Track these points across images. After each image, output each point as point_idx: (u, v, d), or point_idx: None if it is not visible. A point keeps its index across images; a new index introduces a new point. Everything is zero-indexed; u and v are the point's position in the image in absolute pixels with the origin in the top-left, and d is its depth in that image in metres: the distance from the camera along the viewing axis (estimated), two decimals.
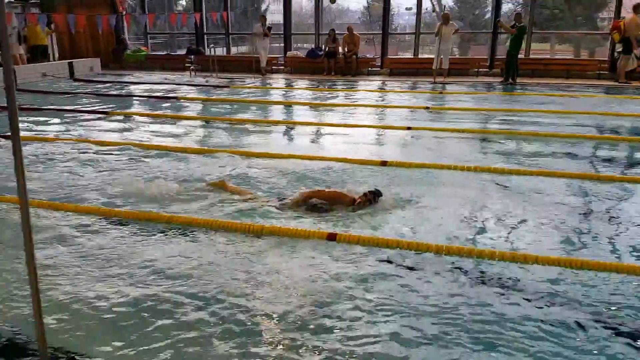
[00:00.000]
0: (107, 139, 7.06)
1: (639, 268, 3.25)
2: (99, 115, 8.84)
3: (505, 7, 16.99)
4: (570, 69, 13.54)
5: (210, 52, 14.82)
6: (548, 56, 16.98)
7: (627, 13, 12.54)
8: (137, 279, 3.13)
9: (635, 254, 3.56)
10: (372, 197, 4.21)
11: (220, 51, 17.00)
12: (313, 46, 15.68)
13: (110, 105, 9.81)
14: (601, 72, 13.15)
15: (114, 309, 2.81)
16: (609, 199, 4.65)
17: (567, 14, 18.25)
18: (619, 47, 12.58)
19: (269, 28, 14.66)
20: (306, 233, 3.70)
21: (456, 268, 3.27)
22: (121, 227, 3.96)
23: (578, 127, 7.75)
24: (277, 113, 9.80)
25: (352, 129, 7.87)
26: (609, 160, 6.13)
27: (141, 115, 9.16)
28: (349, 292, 2.97)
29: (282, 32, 15.76)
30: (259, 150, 6.18)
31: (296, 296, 2.93)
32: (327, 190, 4.46)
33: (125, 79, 14.30)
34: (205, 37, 16.66)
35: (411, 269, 3.29)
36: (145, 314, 2.77)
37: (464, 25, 17.10)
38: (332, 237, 3.63)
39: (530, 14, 14.09)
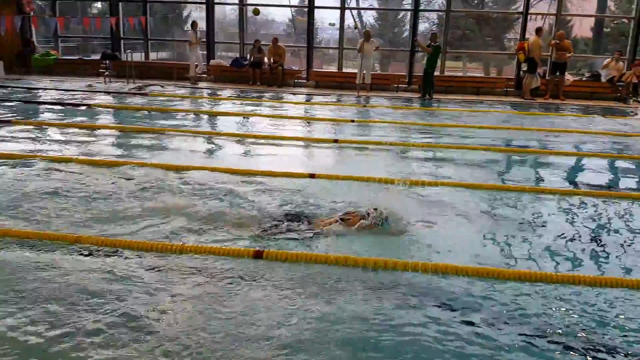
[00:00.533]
0: (8, 150, 6.52)
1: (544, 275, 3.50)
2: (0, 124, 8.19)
3: (422, 26, 17.88)
4: (481, 86, 14.46)
5: (126, 57, 14.19)
6: (461, 74, 18.03)
7: (530, 35, 13.61)
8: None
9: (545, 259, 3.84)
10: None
11: (138, 57, 16.37)
12: (237, 55, 15.54)
13: (13, 113, 9.11)
14: (508, 89, 14.15)
15: None
16: (518, 208, 4.98)
17: (478, 34, 19.49)
18: (524, 67, 13.60)
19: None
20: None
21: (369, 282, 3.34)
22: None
23: (487, 140, 8.27)
24: (199, 123, 9.58)
25: (279, 140, 7.86)
26: (516, 170, 6.60)
27: (47, 124, 8.57)
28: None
29: (205, 39, 15.47)
30: (176, 163, 5.96)
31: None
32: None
33: (32, 84, 13.35)
34: (122, 42, 15.97)
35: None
36: None
37: (384, 43, 17.72)
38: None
39: (445, 34, 14.89)
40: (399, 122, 9.84)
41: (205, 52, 15.52)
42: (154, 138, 7.72)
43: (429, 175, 6.02)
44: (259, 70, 14.52)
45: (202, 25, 15.76)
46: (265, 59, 14.55)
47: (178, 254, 3.58)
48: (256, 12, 15.42)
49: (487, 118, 10.60)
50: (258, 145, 7.65)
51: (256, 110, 10.71)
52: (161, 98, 11.84)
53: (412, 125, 9.63)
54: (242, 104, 11.61)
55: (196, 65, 14.48)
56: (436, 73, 13.64)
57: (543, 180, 6.38)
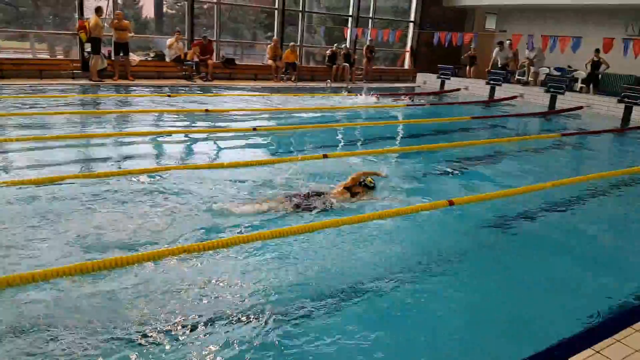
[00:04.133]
0: None
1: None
2: None
3: None
4: (44, 69, 13.36)
5: None
6: (31, 55, 16.24)
7: (92, 14, 13.29)
8: None
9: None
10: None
11: None
12: None
13: None
14: (75, 71, 13.57)
15: None
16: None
17: (36, 12, 17.86)
18: (87, 47, 13.24)
19: None
20: None
21: None
22: None
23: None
24: None
25: None
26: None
27: None
28: None
29: None
30: None
31: None
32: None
33: None
34: None
35: None
36: None
37: None
38: None
39: None
40: None
41: None
42: None
43: None
44: None
45: None
46: None
47: None
48: None
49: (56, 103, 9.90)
50: None
51: None
52: None
53: None
54: None
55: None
56: None
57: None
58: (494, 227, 4.85)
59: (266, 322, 2.87)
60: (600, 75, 15.48)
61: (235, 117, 10.13)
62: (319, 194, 4.94)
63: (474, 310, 3.30)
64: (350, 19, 19.13)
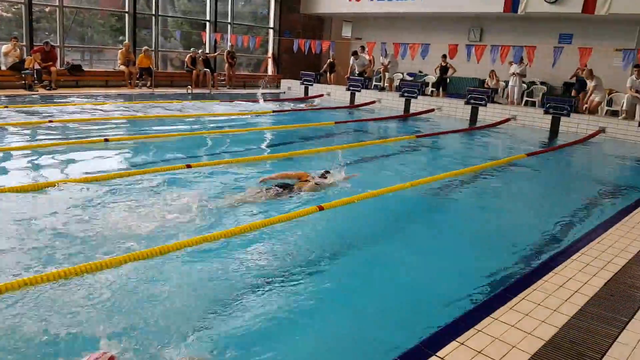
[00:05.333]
0: None
1: None
2: None
3: None
4: None
5: None
6: None
7: None
8: None
9: None
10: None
11: None
12: None
13: None
14: None
15: None
16: None
17: None
18: None
19: None
20: None
21: None
22: None
23: None
24: None
25: None
26: None
27: None
28: None
29: None
30: None
31: None
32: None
33: None
34: None
35: None
36: None
37: None
38: None
39: None
40: None
41: None
42: None
43: None
44: None
45: None
46: None
47: None
48: None
49: None
50: None
51: None
52: None
53: None
54: None
55: None
56: None
57: None
58: (362, 228, 4.97)
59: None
60: (448, 79, 16.92)
61: (84, 127, 9.31)
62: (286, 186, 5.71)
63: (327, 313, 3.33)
64: (208, 23, 18.72)
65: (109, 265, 3.51)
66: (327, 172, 6.22)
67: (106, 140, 8.10)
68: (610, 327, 3.11)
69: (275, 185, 5.67)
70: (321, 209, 5.02)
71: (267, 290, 3.49)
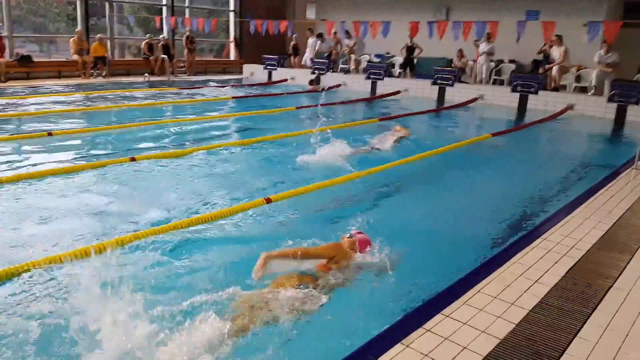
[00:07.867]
0: None
1: None
2: None
3: None
4: None
5: None
6: None
7: None
8: None
9: None
10: None
11: None
12: None
13: None
14: None
15: None
16: None
17: None
18: None
19: None
20: None
21: None
22: None
23: None
24: None
25: None
26: None
27: None
28: None
29: None
30: None
31: None
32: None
33: None
34: None
35: None
36: None
37: None
38: None
39: None
40: None
41: None
42: None
43: None
44: None
45: None
46: None
47: None
48: None
49: None
50: None
51: None
52: None
53: None
54: None
55: None
56: None
57: None
58: (314, 220, 4.68)
59: None
60: (415, 60, 16.65)
61: (29, 121, 8.78)
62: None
63: None
64: (164, 8, 18.02)
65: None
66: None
67: (49, 134, 7.64)
68: (572, 320, 2.88)
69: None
70: (269, 201, 4.71)
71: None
